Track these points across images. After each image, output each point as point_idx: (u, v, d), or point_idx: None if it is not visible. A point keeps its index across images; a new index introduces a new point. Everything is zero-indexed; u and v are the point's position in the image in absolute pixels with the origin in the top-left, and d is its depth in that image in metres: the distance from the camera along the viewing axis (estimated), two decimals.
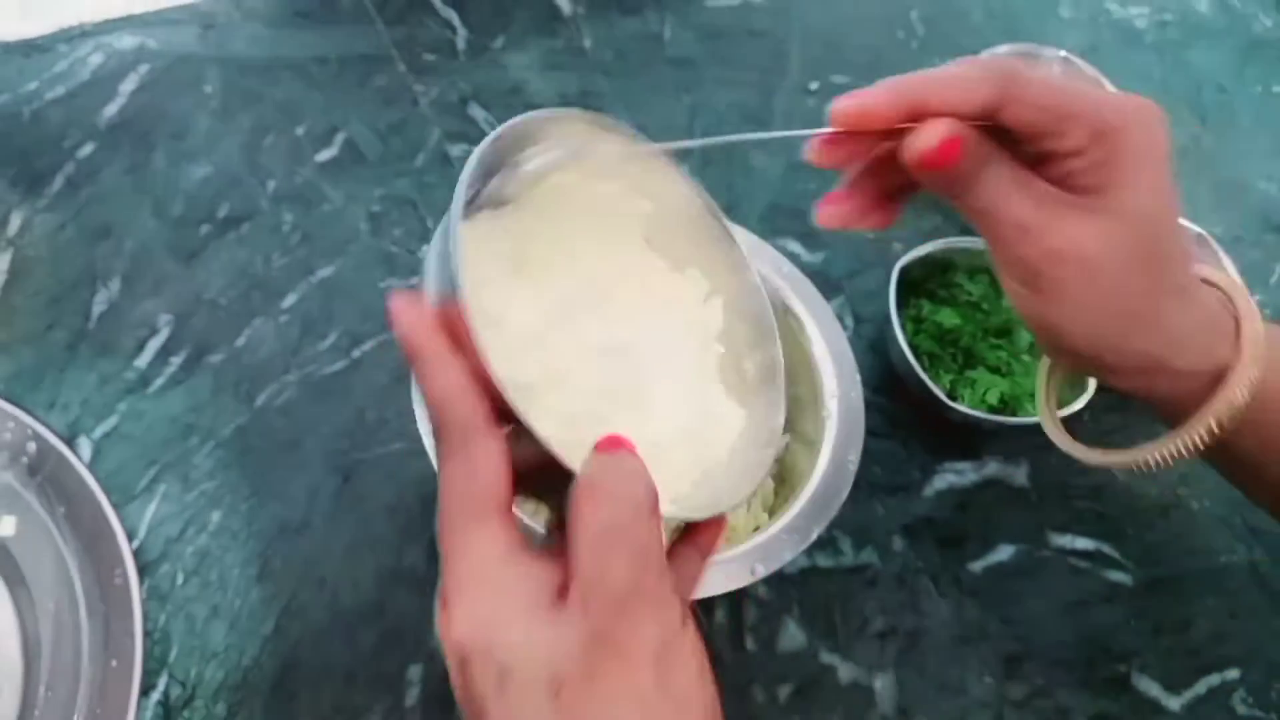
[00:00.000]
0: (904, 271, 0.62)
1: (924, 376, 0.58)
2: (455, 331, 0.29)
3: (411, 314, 0.29)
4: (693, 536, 0.34)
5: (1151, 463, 0.37)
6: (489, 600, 0.27)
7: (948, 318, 0.62)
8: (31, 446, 0.51)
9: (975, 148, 0.32)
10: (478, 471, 0.28)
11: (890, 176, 0.35)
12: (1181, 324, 0.34)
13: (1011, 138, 0.33)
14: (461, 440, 0.28)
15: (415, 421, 0.47)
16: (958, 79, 0.32)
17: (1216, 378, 0.35)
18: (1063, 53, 0.78)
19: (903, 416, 0.63)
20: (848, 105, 0.33)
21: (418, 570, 0.53)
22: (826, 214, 0.36)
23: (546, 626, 0.27)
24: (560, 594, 0.28)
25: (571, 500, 0.28)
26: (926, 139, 0.32)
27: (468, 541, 0.28)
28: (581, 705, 0.26)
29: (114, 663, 0.46)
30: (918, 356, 0.60)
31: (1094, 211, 0.32)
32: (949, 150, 0.32)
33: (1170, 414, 0.37)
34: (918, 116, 0.32)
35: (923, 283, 0.65)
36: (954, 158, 0.32)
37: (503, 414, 0.29)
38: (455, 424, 0.28)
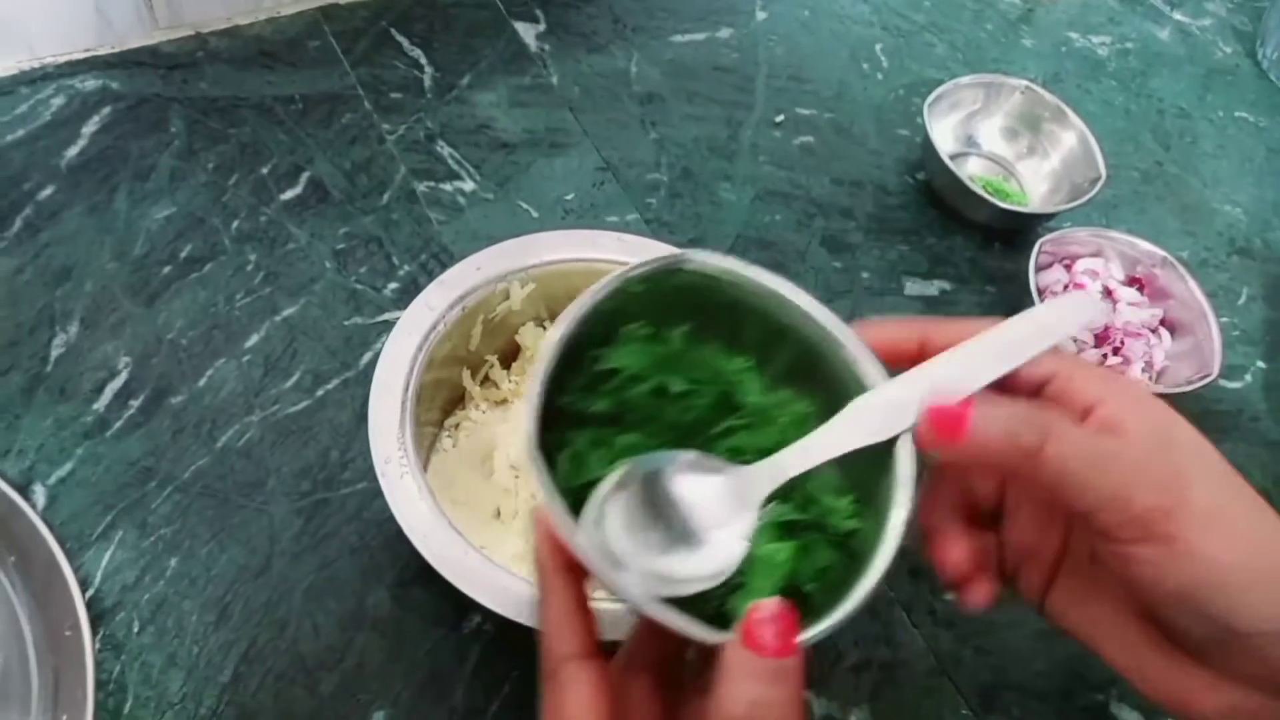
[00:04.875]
0: None
1: None
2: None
3: (541, 535, 0.31)
4: None
5: None
6: None
7: None
8: None
9: (1002, 405, 0.30)
10: (571, 707, 0.29)
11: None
12: None
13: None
14: (554, 676, 0.30)
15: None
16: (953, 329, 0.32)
17: None
18: (1026, 82, 0.79)
19: None
20: (875, 331, 0.34)
21: (380, 612, 0.52)
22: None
23: None
24: None
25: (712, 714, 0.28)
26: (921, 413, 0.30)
27: None
28: None
29: (64, 717, 0.45)
30: None
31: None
32: (946, 417, 0.29)
33: None
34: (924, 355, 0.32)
35: None
36: (961, 424, 0.29)
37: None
38: (550, 656, 0.30)
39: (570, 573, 0.31)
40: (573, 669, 0.30)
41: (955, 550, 0.34)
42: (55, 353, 0.57)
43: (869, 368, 0.33)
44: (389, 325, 0.62)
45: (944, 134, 0.79)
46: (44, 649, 0.46)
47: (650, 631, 0.29)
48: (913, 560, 0.58)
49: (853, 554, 0.32)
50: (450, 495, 0.53)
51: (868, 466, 0.33)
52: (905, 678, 0.55)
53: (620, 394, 0.35)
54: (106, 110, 0.68)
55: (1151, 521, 0.28)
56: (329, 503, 0.55)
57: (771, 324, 0.35)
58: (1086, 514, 0.29)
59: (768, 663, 0.28)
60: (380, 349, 0.61)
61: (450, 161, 0.71)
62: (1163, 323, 0.70)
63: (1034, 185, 0.79)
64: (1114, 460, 0.29)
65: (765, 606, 0.28)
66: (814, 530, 0.33)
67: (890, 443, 0.32)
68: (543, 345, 0.32)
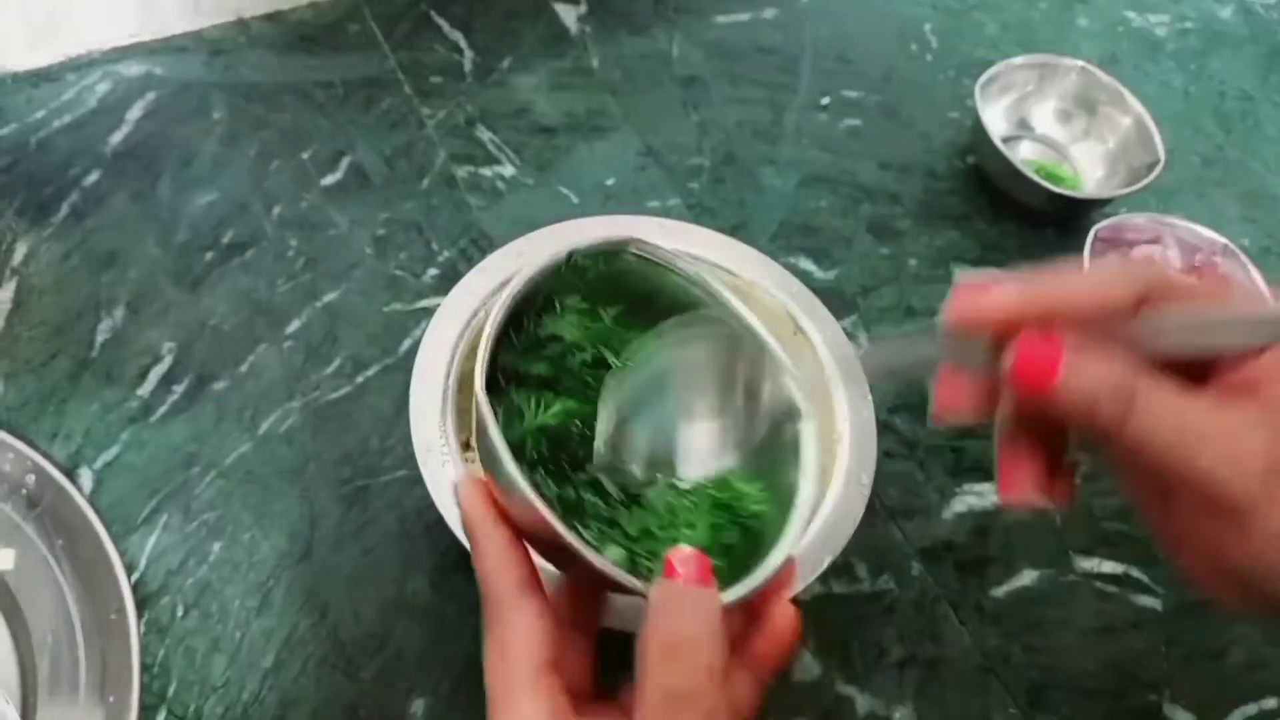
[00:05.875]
0: None
1: None
2: (500, 501, 0.32)
3: (469, 489, 0.33)
4: (745, 656, 0.32)
5: None
6: None
7: None
8: (31, 479, 0.50)
9: (1092, 363, 0.27)
10: (515, 639, 0.30)
11: (1045, 437, 0.30)
12: None
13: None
14: (497, 610, 0.31)
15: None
16: (1090, 280, 0.28)
17: None
18: (1081, 63, 0.77)
19: (920, 437, 0.61)
20: (961, 310, 0.29)
21: (420, 599, 0.52)
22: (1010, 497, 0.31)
23: None
24: None
25: (640, 652, 0.29)
26: (1011, 349, 0.27)
27: (511, 709, 0.29)
28: None
29: (111, 698, 0.45)
30: None
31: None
32: (1036, 364, 0.27)
33: None
34: (1047, 326, 0.28)
35: None
36: (1049, 376, 0.26)
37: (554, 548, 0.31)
38: (491, 594, 0.31)
39: (505, 521, 0.32)
40: (515, 596, 0.31)
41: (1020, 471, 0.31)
42: (101, 338, 0.58)
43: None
44: (428, 312, 0.61)
45: (995, 116, 0.77)
46: (91, 631, 0.47)
47: (574, 591, 0.32)
48: (960, 554, 0.57)
49: (755, 536, 0.35)
50: None
51: (775, 458, 0.36)
52: (950, 675, 0.54)
53: (560, 361, 0.37)
54: (151, 96, 0.68)
55: (1235, 508, 0.26)
56: (369, 490, 0.55)
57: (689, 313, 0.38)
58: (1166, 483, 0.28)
59: (689, 594, 0.29)
60: (419, 335, 0.61)
61: (490, 146, 0.70)
62: None
63: (1089, 169, 0.77)
64: (1208, 443, 0.26)
65: (682, 550, 0.30)
66: (725, 510, 0.36)
67: (795, 439, 0.35)
68: (497, 301, 0.35)
